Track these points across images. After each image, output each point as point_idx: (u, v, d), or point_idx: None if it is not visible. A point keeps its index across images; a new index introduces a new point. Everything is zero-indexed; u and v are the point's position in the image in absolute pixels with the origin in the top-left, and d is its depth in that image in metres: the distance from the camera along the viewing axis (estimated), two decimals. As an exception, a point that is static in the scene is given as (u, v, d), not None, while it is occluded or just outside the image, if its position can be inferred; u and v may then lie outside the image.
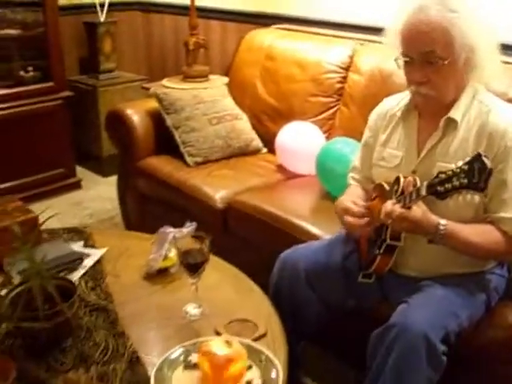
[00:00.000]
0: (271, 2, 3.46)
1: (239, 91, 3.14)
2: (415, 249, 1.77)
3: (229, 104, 3.05)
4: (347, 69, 2.75)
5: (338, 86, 2.77)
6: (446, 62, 1.63)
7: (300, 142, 2.64)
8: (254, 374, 1.38)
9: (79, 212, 3.53)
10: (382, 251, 1.75)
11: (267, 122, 3.00)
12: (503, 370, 1.78)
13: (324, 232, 2.15)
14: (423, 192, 1.55)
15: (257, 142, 3.00)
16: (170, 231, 1.81)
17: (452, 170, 1.47)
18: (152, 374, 1.37)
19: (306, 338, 2.03)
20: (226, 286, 1.79)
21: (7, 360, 1.30)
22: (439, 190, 1.50)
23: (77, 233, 2.09)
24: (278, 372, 1.39)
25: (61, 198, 3.69)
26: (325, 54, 2.83)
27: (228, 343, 1.36)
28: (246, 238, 2.39)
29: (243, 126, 3.00)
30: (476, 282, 1.75)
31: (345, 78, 2.76)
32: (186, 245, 1.62)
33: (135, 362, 1.44)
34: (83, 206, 3.60)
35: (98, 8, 4.03)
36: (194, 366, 1.40)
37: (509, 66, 2.09)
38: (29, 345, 1.45)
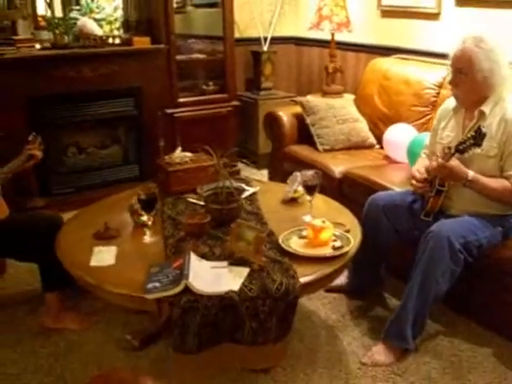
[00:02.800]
0: (392, 37, 4.48)
1: (362, 102, 4.19)
2: (457, 194, 2.70)
3: (353, 111, 4.11)
4: (440, 86, 3.69)
5: (433, 99, 3.71)
6: (468, 77, 2.59)
7: (400, 137, 3.63)
8: (338, 242, 2.41)
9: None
10: (433, 194, 2.72)
11: (380, 125, 4.00)
12: (512, 281, 2.63)
13: (405, 192, 3.12)
14: (452, 150, 2.52)
15: (371, 140, 4.03)
16: (299, 174, 2.89)
17: (467, 136, 2.46)
18: (280, 238, 2.45)
19: (383, 259, 3.00)
20: (332, 210, 2.82)
21: (204, 214, 2.43)
22: (460, 148, 2.48)
23: (241, 180, 3.23)
24: (352, 245, 2.41)
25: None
26: (425, 75, 3.79)
27: (323, 222, 2.42)
28: (353, 198, 3.38)
29: (362, 126, 4.04)
30: (497, 219, 2.64)
31: (438, 93, 3.70)
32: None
33: (271, 234, 2.52)
34: (242, 187, 4.77)
35: (262, 41, 5.28)
36: (303, 237, 2.46)
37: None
38: (214, 219, 2.57)
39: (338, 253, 2.33)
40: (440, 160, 2.58)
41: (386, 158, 3.78)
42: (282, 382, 2.45)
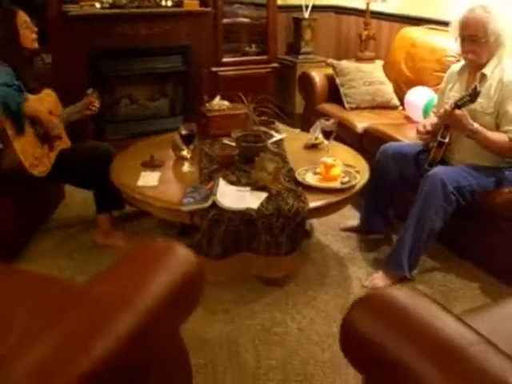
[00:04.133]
0: (424, 8, 4.79)
1: (389, 68, 4.54)
2: (458, 147, 3.06)
3: (380, 75, 4.47)
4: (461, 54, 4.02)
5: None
6: (482, 41, 2.93)
7: (418, 99, 3.98)
8: (346, 178, 2.83)
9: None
10: (436, 145, 3.10)
11: (404, 88, 4.33)
12: (504, 224, 2.94)
13: (416, 145, 3.50)
14: (452, 105, 2.89)
15: (395, 101, 4.39)
16: (319, 122, 3.30)
17: (465, 93, 2.83)
18: (297, 172, 2.88)
19: (391, 202, 3.39)
20: (347, 156, 3.23)
21: (234, 147, 2.89)
22: (458, 103, 2.85)
23: (271, 128, 3.66)
24: (358, 180, 2.82)
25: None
26: (448, 43, 4.09)
27: (334, 160, 2.84)
28: (371, 151, 3.75)
29: (387, 89, 4.40)
30: (491, 169, 2.99)
31: (458, 60, 4.01)
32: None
33: (291, 170, 2.95)
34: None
35: (304, 8, 5.63)
36: (318, 173, 2.88)
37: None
38: (243, 155, 3.02)
39: (344, 186, 2.75)
40: (447, 107, 2.91)
41: (406, 117, 4.14)
42: (293, 295, 2.89)
